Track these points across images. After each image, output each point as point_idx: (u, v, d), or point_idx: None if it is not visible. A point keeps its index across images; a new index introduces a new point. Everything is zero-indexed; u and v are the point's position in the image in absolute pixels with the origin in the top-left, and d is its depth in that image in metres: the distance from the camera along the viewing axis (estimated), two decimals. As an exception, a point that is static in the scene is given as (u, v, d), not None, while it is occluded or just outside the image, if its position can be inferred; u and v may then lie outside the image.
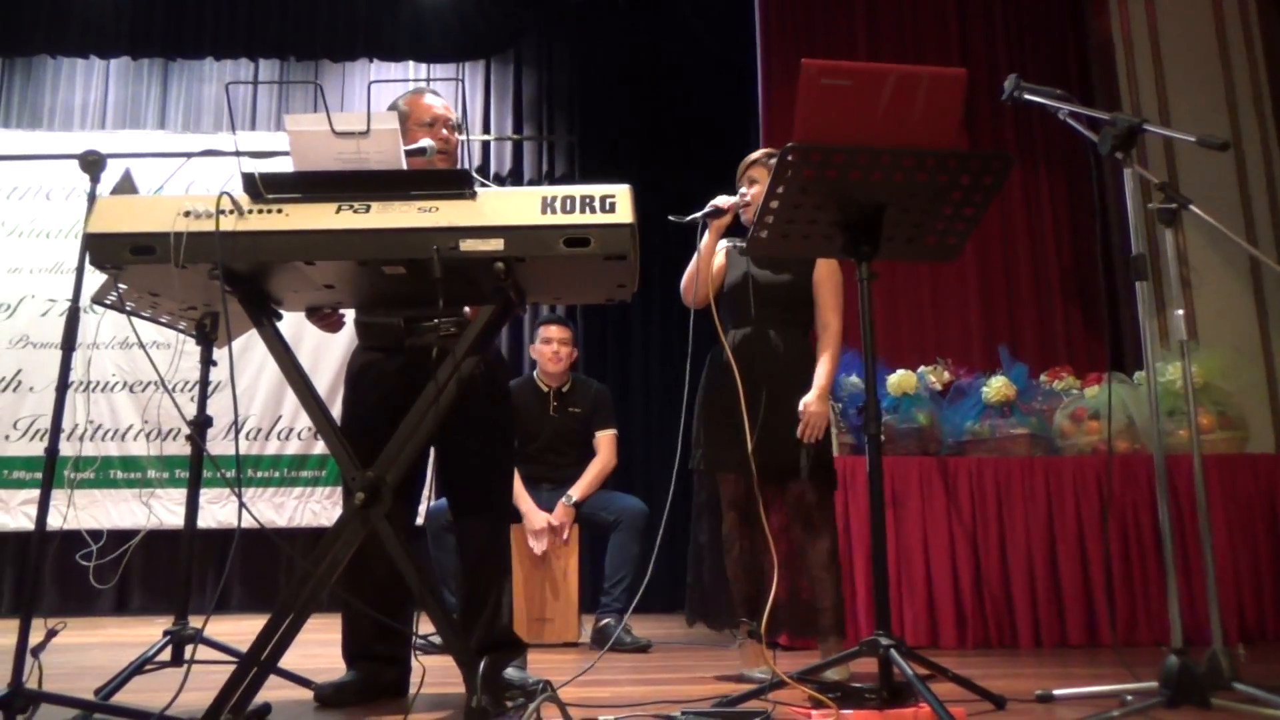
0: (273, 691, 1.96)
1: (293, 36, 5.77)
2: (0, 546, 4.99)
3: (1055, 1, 5.22)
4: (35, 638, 1.65)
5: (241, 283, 1.75)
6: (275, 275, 1.76)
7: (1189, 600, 3.17)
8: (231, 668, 1.64)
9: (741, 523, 2.59)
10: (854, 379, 3.56)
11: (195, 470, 2.33)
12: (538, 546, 3.52)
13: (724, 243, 2.74)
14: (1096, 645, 3.28)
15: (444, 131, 2.29)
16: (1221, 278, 4.54)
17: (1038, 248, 4.98)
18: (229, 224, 1.64)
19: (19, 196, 5.36)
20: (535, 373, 3.87)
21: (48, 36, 5.61)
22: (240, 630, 2.41)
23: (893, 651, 1.85)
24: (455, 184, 1.68)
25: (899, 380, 3.58)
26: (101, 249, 1.67)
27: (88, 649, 3.33)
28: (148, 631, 2.69)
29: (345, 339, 2.43)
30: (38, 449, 4.84)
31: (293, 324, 2.02)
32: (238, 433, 5.01)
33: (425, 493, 2.39)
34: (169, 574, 4.94)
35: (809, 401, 2.54)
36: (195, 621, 2.23)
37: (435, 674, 2.03)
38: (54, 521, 3.33)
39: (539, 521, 3.54)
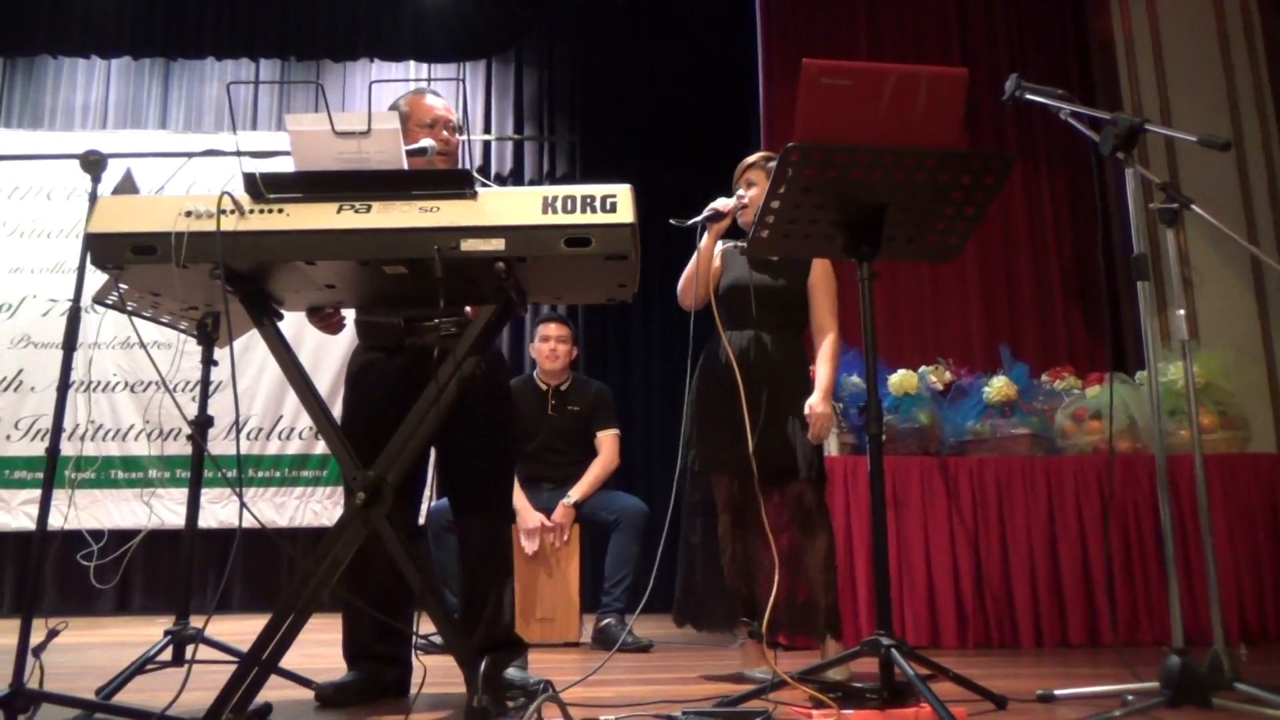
0: (274, 691, 1.96)
1: (294, 36, 5.77)
2: (1, 546, 5.00)
3: (1056, 1, 5.22)
4: (36, 638, 1.65)
5: (242, 282, 1.75)
6: (276, 275, 1.76)
7: (1190, 600, 3.17)
8: (232, 668, 1.64)
9: (735, 524, 2.59)
10: (855, 379, 3.56)
11: (196, 470, 2.33)
12: (529, 546, 3.52)
13: (720, 244, 2.74)
14: (1098, 645, 3.28)
15: (445, 132, 2.29)
16: (1223, 277, 4.54)
17: (1039, 247, 4.98)
18: (230, 224, 1.64)
19: (20, 196, 5.37)
20: (535, 372, 3.88)
21: (49, 36, 5.61)
22: (241, 630, 2.41)
23: (894, 651, 1.85)
24: (456, 184, 1.68)
25: (900, 380, 3.58)
26: (103, 249, 1.67)
27: (89, 649, 3.33)
28: (149, 631, 2.68)
29: (346, 339, 2.43)
30: (39, 449, 4.84)
31: (294, 324, 2.02)
32: (239, 432, 5.01)
33: (426, 493, 2.39)
34: (170, 574, 4.94)
35: (814, 404, 2.55)
36: (196, 621, 2.23)
37: (436, 674, 2.03)
38: (55, 521, 3.34)
39: (532, 521, 3.54)
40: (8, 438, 5.05)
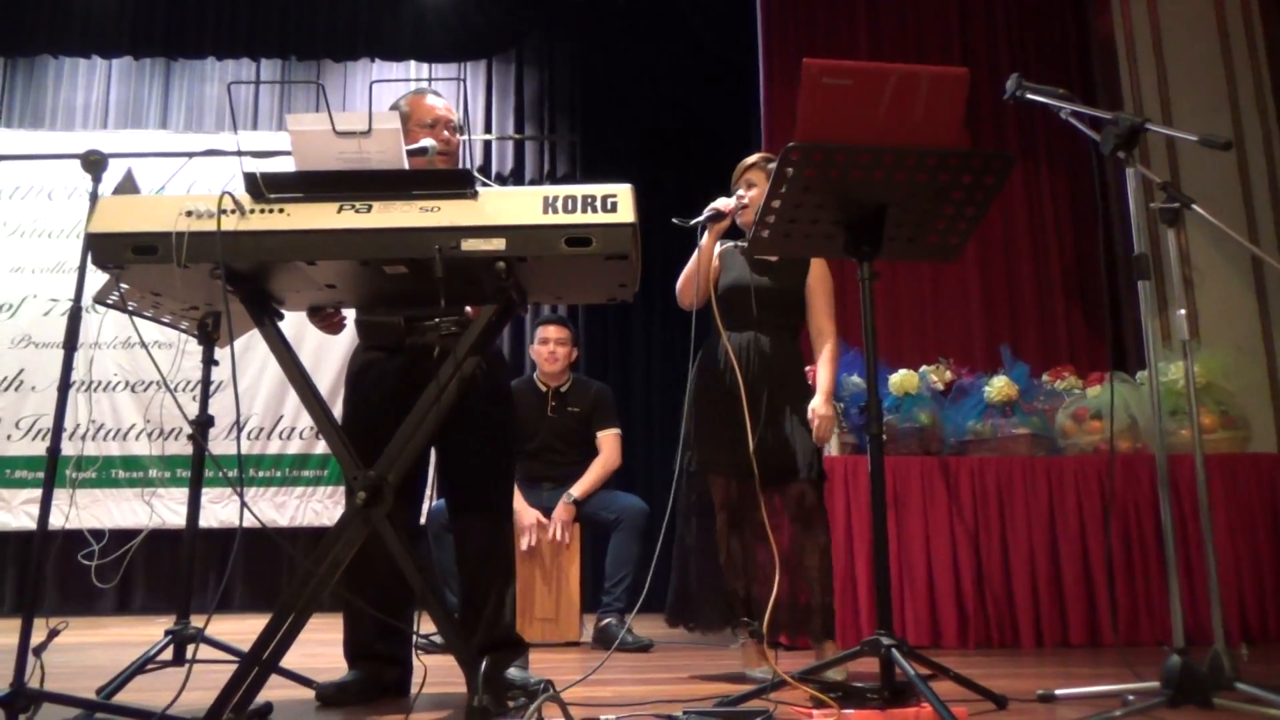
0: (274, 691, 1.96)
1: (294, 36, 5.77)
2: (2, 546, 5.00)
3: (1057, 0, 5.21)
4: (37, 637, 1.65)
5: (243, 282, 1.75)
6: (277, 275, 1.76)
7: (1191, 600, 3.17)
8: (233, 667, 1.64)
9: (732, 524, 2.59)
10: (856, 378, 3.56)
11: (197, 470, 2.33)
12: (524, 542, 3.51)
13: (719, 244, 2.74)
14: (1098, 645, 3.28)
15: (445, 132, 2.29)
16: (1224, 277, 4.53)
17: (1040, 247, 4.98)
18: (231, 224, 1.64)
19: (21, 196, 5.37)
20: (535, 373, 3.87)
21: (50, 36, 5.62)
22: (242, 630, 2.41)
23: (894, 651, 1.85)
24: (457, 184, 1.68)
25: (901, 380, 3.58)
26: (103, 249, 1.67)
27: (89, 648, 3.33)
28: (149, 631, 2.69)
29: (346, 339, 2.44)
30: (40, 448, 4.84)
31: (294, 323, 2.02)
32: (239, 432, 5.01)
33: (427, 492, 2.39)
34: (171, 573, 4.95)
35: (816, 407, 2.57)
36: (197, 621, 2.23)
37: (437, 673, 2.03)
38: (56, 521, 3.35)
39: (528, 518, 3.54)
40: (9, 437, 5.05)
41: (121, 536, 4.89)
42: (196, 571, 4.39)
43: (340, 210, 1.66)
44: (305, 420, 5.13)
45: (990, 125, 5.00)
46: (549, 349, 3.78)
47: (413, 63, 5.80)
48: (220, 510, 4.94)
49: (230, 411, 4.40)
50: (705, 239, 2.60)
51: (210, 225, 1.64)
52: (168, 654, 2.17)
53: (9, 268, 5.26)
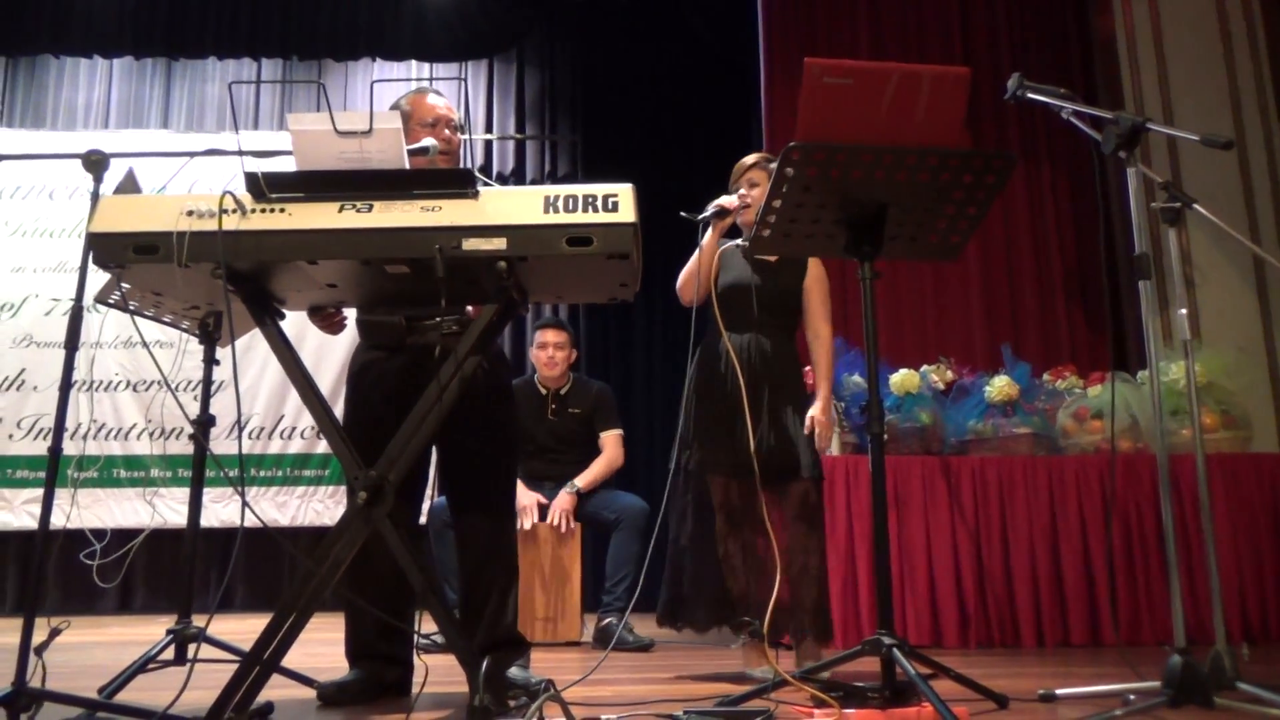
0: (276, 690, 1.96)
1: (296, 36, 5.78)
2: (4, 545, 5.01)
3: (1058, 0, 5.21)
4: (39, 636, 1.65)
5: (244, 282, 1.75)
6: (278, 274, 1.76)
7: (1192, 600, 3.16)
8: (234, 667, 1.64)
9: (731, 524, 2.59)
10: (857, 378, 3.56)
11: (198, 469, 2.33)
12: (525, 522, 3.50)
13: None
14: (1099, 645, 3.28)
15: (446, 132, 2.29)
16: (1225, 277, 4.53)
17: (1041, 247, 4.98)
18: (232, 223, 1.64)
19: (22, 196, 5.38)
20: (535, 374, 3.87)
21: (51, 36, 5.62)
22: (243, 629, 2.41)
23: (895, 651, 1.85)
24: (458, 183, 1.68)
25: (902, 379, 3.58)
26: (105, 248, 1.67)
27: (91, 648, 3.34)
28: (151, 630, 2.69)
29: (348, 338, 2.44)
30: (41, 448, 4.82)
31: (295, 323, 2.02)
32: (241, 432, 5.01)
33: (428, 491, 2.39)
34: (172, 573, 4.95)
35: (817, 413, 2.60)
36: (198, 620, 2.23)
37: (438, 673, 2.03)
38: (57, 520, 3.34)
39: (527, 499, 3.54)
40: (10, 437, 5.06)
41: (123, 536, 4.89)
42: (198, 571, 4.40)
43: (341, 210, 1.66)
44: (306, 420, 5.13)
45: (991, 125, 5.00)
46: (548, 353, 3.78)
47: (414, 62, 5.80)
48: (222, 510, 4.95)
49: (231, 411, 4.38)
50: (708, 235, 2.60)
51: (211, 225, 1.64)
52: (169, 653, 2.18)
53: (10, 267, 5.27)
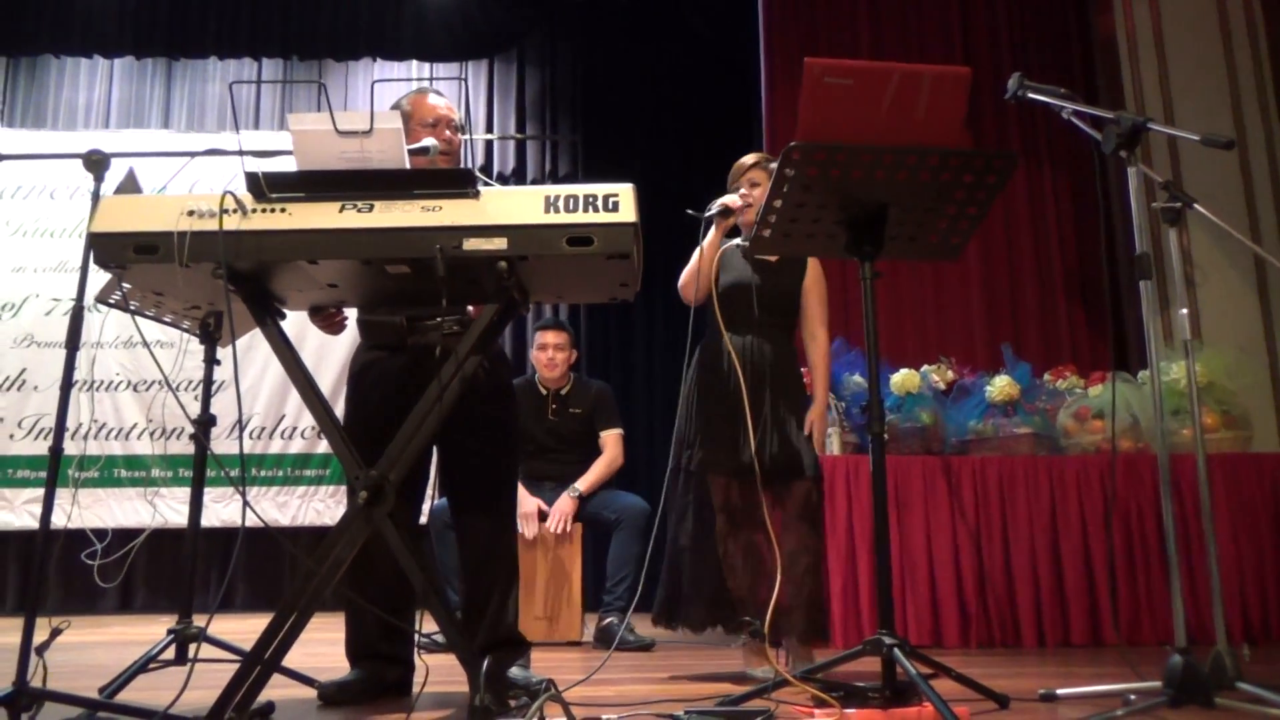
0: (276, 690, 1.96)
1: (296, 36, 5.78)
2: (5, 545, 5.01)
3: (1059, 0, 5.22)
4: (40, 636, 1.65)
5: (245, 282, 1.75)
6: (279, 274, 1.76)
7: (1193, 600, 3.16)
8: (235, 666, 1.64)
9: (732, 524, 2.59)
10: (857, 378, 3.56)
11: (199, 469, 2.33)
12: (528, 531, 3.51)
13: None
14: (1100, 645, 3.28)
15: (447, 132, 2.28)
16: (1226, 276, 4.53)
17: (1041, 246, 4.98)
18: (232, 223, 1.64)
19: (23, 196, 5.38)
20: (535, 375, 3.87)
21: (52, 36, 5.62)
22: (244, 629, 2.41)
23: (896, 651, 1.85)
24: (458, 183, 1.68)
25: (902, 379, 3.58)
26: (105, 248, 1.67)
27: (92, 647, 3.34)
28: (152, 630, 2.69)
29: (348, 338, 2.44)
30: (42, 448, 4.82)
31: (296, 323, 2.02)
32: (241, 432, 5.01)
33: (429, 491, 2.39)
34: (173, 573, 4.95)
35: (814, 417, 2.62)
36: (199, 620, 2.23)
37: (439, 673, 2.03)
38: (58, 520, 3.34)
39: (529, 505, 3.54)
40: (11, 437, 5.06)
41: (124, 536, 4.89)
42: (198, 571, 4.38)
43: (342, 210, 1.66)
44: (307, 420, 5.14)
45: (992, 125, 5.01)
46: (548, 355, 3.77)
47: (414, 62, 5.80)
48: (222, 510, 4.95)
49: (232, 411, 4.39)
50: (712, 233, 2.60)
51: (212, 225, 1.64)
52: (170, 653, 2.18)
53: (11, 267, 5.27)
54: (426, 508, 3.48)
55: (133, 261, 1.66)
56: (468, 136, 2.28)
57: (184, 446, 5.05)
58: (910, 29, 5.12)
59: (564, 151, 5.92)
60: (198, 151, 2.34)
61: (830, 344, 2.75)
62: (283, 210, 1.66)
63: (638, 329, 5.79)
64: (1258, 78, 4.75)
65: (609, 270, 1.73)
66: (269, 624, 1.64)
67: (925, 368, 3.75)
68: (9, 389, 5.11)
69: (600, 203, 1.64)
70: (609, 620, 3.43)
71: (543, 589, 3.55)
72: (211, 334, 2.23)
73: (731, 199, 2.62)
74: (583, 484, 3.62)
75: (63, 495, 4.62)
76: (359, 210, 1.66)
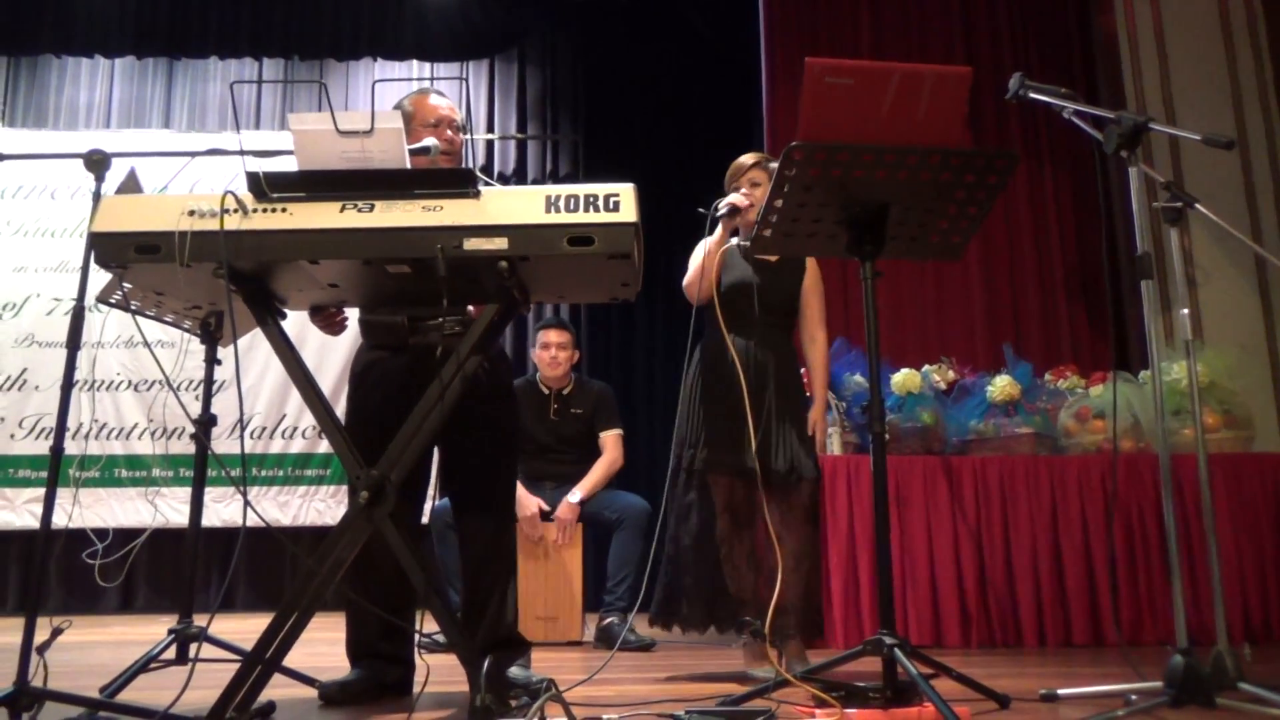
0: (277, 690, 1.97)
1: (297, 36, 5.78)
2: (6, 545, 5.01)
3: (1060, -1, 5.22)
4: (41, 636, 1.65)
5: (246, 282, 1.75)
6: (280, 274, 1.77)
7: (1194, 600, 3.16)
8: (236, 666, 1.64)
9: (734, 524, 2.59)
10: (858, 378, 3.56)
11: (200, 469, 2.33)
12: (531, 533, 3.51)
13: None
14: (1101, 645, 3.27)
15: (448, 132, 2.29)
16: (1227, 276, 4.53)
17: (1042, 246, 4.97)
18: (233, 223, 1.65)
19: (24, 196, 5.38)
20: (537, 374, 3.87)
21: (53, 36, 5.63)
22: (245, 629, 2.42)
23: (897, 651, 1.85)
24: (459, 183, 1.68)
25: (903, 379, 3.58)
26: (106, 248, 1.67)
27: (93, 647, 3.34)
28: (153, 630, 2.69)
29: (349, 338, 2.44)
30: (43, 448, 4.85)
31: (297, 323, 2.03)
32: (243, 431, 5.01)
33: (430, 491, 2.39)
34: (174, 572, 4.95)
35: (815, 417, 2.63)
36: (200, 620, 2.23)
37: (439, 673, 2.03)
38: (59, 520, 3.34)
39: (530, 506, 3.54)
40: (12, 437, 5.06)
41: (125, 535, 4.89)
42: (199, 570, 4.40)
43: (343, 209, 1.66)
44: (308, 419, 5.14)
45: (993, 124, 5.01)
46: (550, 354, 3.77)
47: (415, 62, 5.80)
48: (223, 509, 4.95)
49: (233, 411, 4.39)
50: (717, 232, 2.60)
51: (213, 224, 1.64)
52: (171, 653, 2.18)
53: (12, 267, 5.27)
54: (428, 508, 3.49)
55: (134, 261, 1.66)
56: (469, 136, 2.28)
57: (185, 446, 5.05)
58: (911, 29, 5.12)
59: (564, 151, 5.92)
60: (199, 151, 2.34)
61: (829, 345, 2.75)
62: (284, 210, 1.66)
63: (638, 329, 5.79)
64: (1259, 77, 4.74)
65: (610, 270, 1.73)
66: (270, 624, 1.64)
67: (926, 367, 3.75)
68: (10, 389, 5.11)
69: (601, 202, 1.64)
70: (610, 620, 3.43)
71: (543, 589, 3.54)
72: (212, 334, 2.23)
73: (738, 198, 2.62)
74: (581, 490, 3.61)
75: (64, 495, 4.61)
76: (360, 210, 1.66)
